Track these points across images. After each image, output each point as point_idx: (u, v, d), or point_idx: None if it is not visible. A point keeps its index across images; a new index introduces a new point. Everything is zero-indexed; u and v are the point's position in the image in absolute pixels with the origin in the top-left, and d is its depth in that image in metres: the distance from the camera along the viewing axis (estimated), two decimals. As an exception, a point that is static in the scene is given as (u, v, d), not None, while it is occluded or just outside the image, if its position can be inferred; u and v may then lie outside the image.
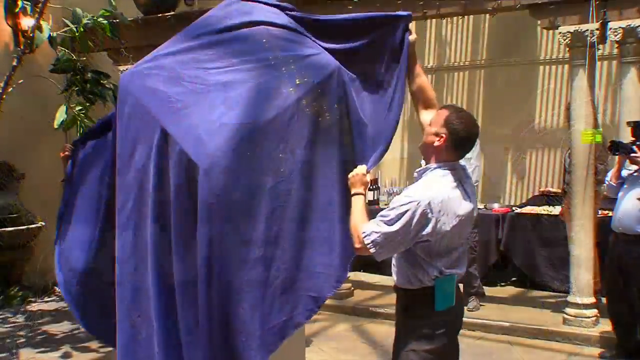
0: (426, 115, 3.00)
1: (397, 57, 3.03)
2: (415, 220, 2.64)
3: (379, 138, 2.98)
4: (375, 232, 2.67)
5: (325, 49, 3.02)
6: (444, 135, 2.77)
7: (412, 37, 3.09)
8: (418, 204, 2.65)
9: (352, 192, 2.84)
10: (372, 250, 2.68)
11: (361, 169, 2.88)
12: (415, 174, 2.91)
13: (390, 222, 2.66)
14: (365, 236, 2.68)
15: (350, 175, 2.87)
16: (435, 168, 2.82)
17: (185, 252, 2.66)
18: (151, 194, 2.75)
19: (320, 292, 2.81)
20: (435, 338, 2.79)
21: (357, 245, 2.71)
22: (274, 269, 2.71)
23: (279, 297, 2.72)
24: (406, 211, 2.64)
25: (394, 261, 2.90)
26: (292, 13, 3.13)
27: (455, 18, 7.98)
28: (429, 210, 2.66)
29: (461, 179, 2.85)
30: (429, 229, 2.67)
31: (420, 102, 3.10)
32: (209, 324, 2.62)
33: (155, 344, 2.76)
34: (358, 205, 2.80)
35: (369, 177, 2.90)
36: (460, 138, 2.78)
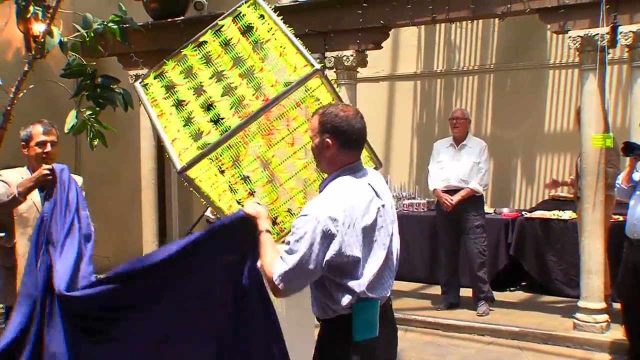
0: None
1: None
2: (317, 240, 2.34)
3: None
4: (282, 267, 2.38)
5: None
6: (328, 141, 2.50)
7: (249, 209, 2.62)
8: (317, 221, 2.35)
9: (258, 229, 2.54)
10: (281, 287, 2.38)
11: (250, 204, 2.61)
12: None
13: (292, 251, 2.37)
14: (274, 275, 2.39)
15: (249, 211, 2.56)
16: (333, 177, 2.54)
17: None
18: None
19: None
20: None
21: (271, 286, 2.44)
22: None
23: None
24: (305, 233, 2.35)
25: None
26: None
27: (464, 22, 7.98)
28: (330, 226, 2.35)
29: (367, 178, 2.57)
30: (335, 247, 2.36)
31: None
32: None
33: None
34: (266, 243, 2.51)
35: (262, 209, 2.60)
36: (342, 132, 2.50)
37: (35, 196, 3.68)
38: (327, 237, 2.36)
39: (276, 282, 2.40)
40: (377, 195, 2.55)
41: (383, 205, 2.56)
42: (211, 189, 3.35)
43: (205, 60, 3.55)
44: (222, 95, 3.37)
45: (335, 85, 3.32)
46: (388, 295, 2.57)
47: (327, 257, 2.37)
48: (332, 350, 2.52)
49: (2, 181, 3.68)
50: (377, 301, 2.49)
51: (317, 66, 3.02)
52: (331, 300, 2.46)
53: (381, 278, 2.51)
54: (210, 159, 3.25)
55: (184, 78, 3.58)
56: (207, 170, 3.28)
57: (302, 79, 3.08)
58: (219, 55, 3.49)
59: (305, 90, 3.21)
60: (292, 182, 3.49)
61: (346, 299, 2.42)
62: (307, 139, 3.30)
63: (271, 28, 3.36)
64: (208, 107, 3.40)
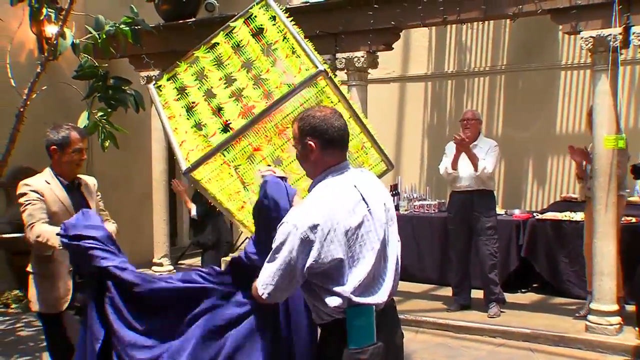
0: None
1: None
2: (295, 248, 2.32)
3: None
4: (263, 274, 2.38)
5: None
6: (311, 144, 2.49)
7: None
8: (295, 228, 2.33)
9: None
10: (265, 297, 2.38)
11: None
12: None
13: (272, 259, 2.37)
14: (258, 283, 2.40)
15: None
16: (318, 181, 2.52)
17: None
18: None
19: None
20: None
21: (255, 294, 2.45)
22: None
23: None
24: (285, 240, 2.34)
25: None
26: None
27: (475, 23, 7.97)
28: (309, 233, 2.32)
29: (354, 180, 2.52)
30: (314, 253, 2.32)
31: None
32: None
33: None
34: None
35: None
36: (322, 132, 2.48)
37: (67, 201, 3.64)
38: (306, 244, 2.33)
39: (259, 291, 2.40)
40: (363, 198, 2.49)
41: (369, 209, 2.49)
42: (219, 190, 3.37)
43: (216, 62, 3.56)
44: (229, 97, 3.38)
45: (342, 87, 3.31)
46: (384, 300, 2.47)
47: (307, 263, 2.33)
48: (330, 356, 2.47)
49: (34, 191, 3.54)
50: (371, 307, 2.41)
51: (321, 67, 3.01)
52: (322, 305, 2.42)
53: (373, 283, 2.45)
54: (225, 163, 3.27)
55: (195, 80, 3.59)
56: (213, 172, 3.31)
57: (305, 80, 3.08)
58: (229, 57, 3.50)
59: (321, 92, 3.22)
60: (302, 182, 3.50)
61: (335, 303, 2.38)
62: None
63: (282, 30, 3.36)
64: (219, 109, 3.41)
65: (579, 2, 5.52)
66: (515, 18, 6.13)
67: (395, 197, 8.00)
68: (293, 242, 2.33)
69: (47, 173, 3.72)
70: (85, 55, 5.84)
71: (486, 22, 7.93)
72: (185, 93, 3.58)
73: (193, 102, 3.53)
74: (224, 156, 3.30)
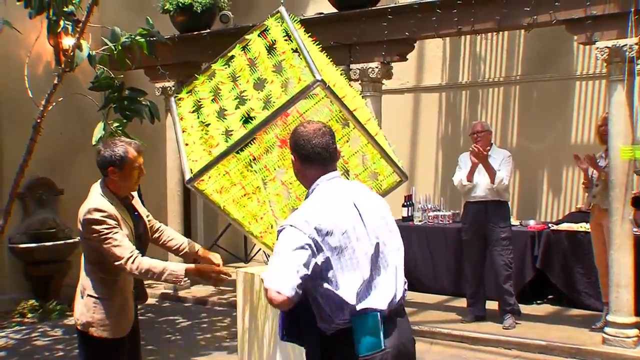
0: None
1: None
2: (292, 252, 2.36)
3: None
4: (267, 280, 2.36)
5: None
6: (292, 158, 2.64)
7: None
8: (290, 233, 2.41)
9: None
10: (274, 301, 2.32)
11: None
12: None
13: (272, 265, 2.41)
14: (270, 286, 2.34)
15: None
16: (311, 191, 2.62)
17: None
18: None
19: None
20: None
21: (269, 297, 2.37)
22: None
23: None
24: (281, 246, 2.41)
25: None
26: None
27: (489, 34, 7.96)
28: (304, 233, 2.39)
29: (343, 187, 2.62)
30: (310, 257, 2.38)
31: None
32: None
33: None
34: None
35: None
36: (299, 147, 2.59)
37: (131, 221, 3.44)
38: (301, 248, 2.37)
39: (269, 296, 2.36)
40: (354, 204, 2.56)
41: (360, 214, 2.54)
42: (227, 201, 3.42)
43: (230, 75, 3.60)
44: (235, 108, 3.40)
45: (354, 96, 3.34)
46: (385, 306, 2.48)
47: (305, 268, 2.35)
48: None
49: (110, 217, 3.26)
50: (375, 313, 2.44)
51: (318, 77, 3.02)
52: (324, 314, 2.45)
53: (370, 288, 2.47)
54: (227, 173, 3.32)
55: (210, 92, 3.63)
56: (219, 182, 3.35)
57: (302, 90, 3.09)
58: (242, 69, 3.53)
59: (320, 101, 3.25)
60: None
61: (337, 311, 2.42)
62: None
63: (292, 42, 3.38)
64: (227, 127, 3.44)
65: (594, 13, 5.50)
66: (530, 29, 6.13)
67: (410, 208, 7.98)
68: (289, 246, 2.38)
69: (106, 192, 3.39)
70: (101, 66, 5.90)
71: (500, 33, 7.92)
72: (200, 106, 3.62)
73: (207, 114, 3.57)
74: (226, 166, 3.34)
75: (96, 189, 3.41)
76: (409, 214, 7.93)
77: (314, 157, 2.59)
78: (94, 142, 5.87)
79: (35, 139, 5.73)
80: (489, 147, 6.36)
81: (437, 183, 8.84)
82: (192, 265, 3.34)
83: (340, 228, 2.45)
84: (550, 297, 7.21)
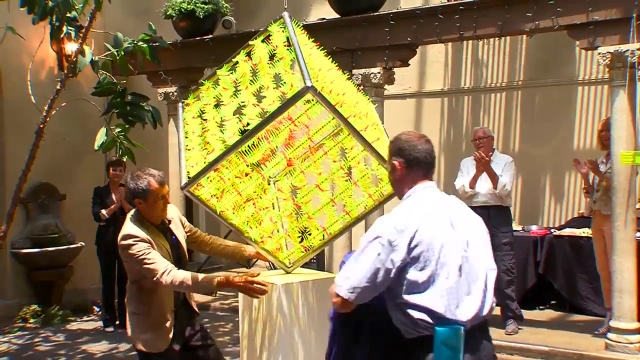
0: None
1: None
2: (381, 250, 2.44)
3: None
4: (344, 278, 2.50)
5: None
6: (395, 164, 2.67)
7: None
8: (382, 232, 2.47)
9: None
10: (348, 296, 2.46)
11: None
12: None
13: (357, 260, 2.50)
14: (338, 287, 2.50)
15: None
16: (406, 197, 2.67)
17: None
18: None
19: None
20: None
21: (334, 301, 2.53)
22: None
23: None
24: (367, 247, 2.48)
25: None
26: None
27: (492, 39, 7.96)
28: (394, 237, 2.44)
29: (437, 197, 2.68)
30: (398, 257, 2.43)
31: None
32: None
33: None
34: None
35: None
36: (406, 152, 2.65)
37: (167, 244, 3.65)
38: (387, 251, 2.44)
39: (337, 290, 2.49)
40: (446, 212, 2.60)
41: (452, 223, 2.58)
42: (225, 206, 3.43)
43: (233, 82, 3.60)
44: (233, 114, 3.41)
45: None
46: (468, 318, 2.50)
47: (388, 273, 2.44)
48: None
49: (142, 241, 3.47)
50: (459, 327, 2.45)
51: (309, 84, 3.02)
52: (405, 319, 2.48)
53: (456, 298, 2.48)
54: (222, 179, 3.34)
55: (214, 98, 3.64)
56: (214, 187, 3.36)
57: (292, 96, 3.09)
58: (243, 75, 3.53)
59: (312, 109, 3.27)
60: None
61: (419, 316, 2.45)
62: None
63: (291, 48, 3.37)
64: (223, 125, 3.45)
65: (596, 18, 5.50)
66: (532, 34, 6.12)
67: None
68: (375, 249, 2.45)
69: (138, 219, 3.60)
70: (104, 72, 5.90)
71: (503, 38, 7.92)
72: (202, 112, 3.63)
73: (206, 120, 3.58)
74: (222, 173, 3.35)
75: (129, 217, 3.64)
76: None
77: (419, 162, 2.67)
78: (96, 148, 5.87)
79: (38, 145, 5.73)
80: (491, 153, 6.36)
81: (440, 188, 8.80)
82: (222, 277, 3.42)
83: (429, 237, 2.47)
84: (552, 302, 7.20)
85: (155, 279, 3.39)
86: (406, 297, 2.46)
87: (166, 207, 3.67)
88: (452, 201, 2.73)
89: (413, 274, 2.44)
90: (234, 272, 8.21)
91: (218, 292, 3.25)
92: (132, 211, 3.67)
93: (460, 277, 2.50)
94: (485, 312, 2.59)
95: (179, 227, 3.81)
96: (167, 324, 3.58)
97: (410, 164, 2.65)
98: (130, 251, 3.46)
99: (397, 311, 2.51)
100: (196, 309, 3.84)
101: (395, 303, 2.50)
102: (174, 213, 3.82)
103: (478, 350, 2.57)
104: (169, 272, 3.38)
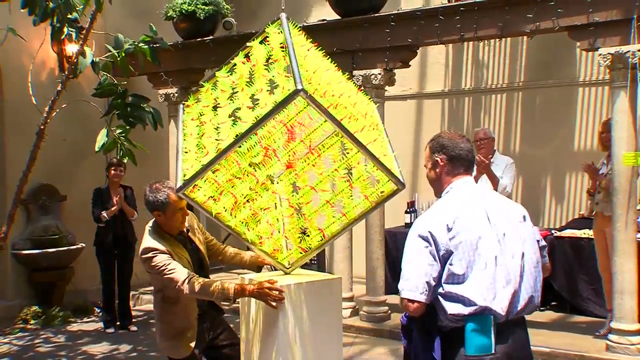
0: None
1: None
2: (421, 252, 2.58)
3: None
4: (405, 280, 2.60)
5: None
6: (438, 160, 2.80)
7: None
8: (418, 234, 2.61)
9: None
10: (418, 297, 2.56)
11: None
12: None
13: (405, 265, 2.62)
14: (405, 293, 2.59)
15: None
16: (445, 193, 2.81)
17: None
18: None
19: None
20: None
21: (409, 307, 2.62)
22: None
23: None
24: (410, 246, 2.62)
25: None
26: None
27: (492, 40, 7.96)
28: (434, 232, 2.58)
29: (475, 191, 2.80)
30: (441, 251, 2.57)
31: None
32: None
33: None
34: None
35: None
36: (449, 148, 2.79)
37: (187, 254, 3.76)
38: (431, 243, 2.56)
39: (410, 298, 2.57)
40: (484, 206, 2.69)
41: (489, 217, 2.65)
42: (221, 208, 3.42)
43: (232, 82, 3.59)
44: (229, 116, 3.40)
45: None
46: (503, 313, 2.57)
47: (432, 272, 2.55)
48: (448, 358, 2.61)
49: (162, 253, 3.58)
50: (489, 316, 2.53)
51: (299, 86, 3.01)
52: (441, 310, 2.59)
53: (493, 293, 2.56)
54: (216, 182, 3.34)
55: (212, 100, 3.63)
56: (209, 189, 3.36)
57: (283, 100, 3.08)
58: (240, 77, 3.52)
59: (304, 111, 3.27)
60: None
61: (454, 310, 2.55)
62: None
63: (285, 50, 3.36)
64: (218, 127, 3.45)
65: (597, 19, 5.50)
66: (533, 35, 6.12)
67: (413, 214, 7.97)
68: (422, 241, 2.57)
69: (156, 231, 3.70)
70: (105, 73, 5.91)
71: (503, 39, 7.92)
72: (201, 114, 3.63)
73: (203, 122, 3.57)
74: (215, 175, 3.34)
75: (147, 229, 3.74)
76: (412, 221, 7.92)
77: (460, 158, 2.78)
78: (97, 149, 5.88)
79: (39, 146, 5.73)
80: (491, 155, 6.36)
81: (440, 189, 8.82)
82: (237, 285, 3.46)
83: (466, 229, 2.58)
84: (553, 303, 7.18)
85: (177, 287, 3.49)
86: (446, 287, 2.57)
87: (185, 219, 3.77)
88: (491, 195, 2.85)
89: (452, 265, 2.55)
90: (234, 274, 8.21)
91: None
92: (151, 222, 3.75)
93: (496, 269, 2.58)
94: (520, 306, 2.66)
95: (198, 234, 3.93)
96: (190, 333, 3.72)
97: (452, 160, 2.77)
98: (152, 263, 3.57)
99: (437, 302, 2.61)
100: (222, 306, 3.98)
101: (437, 294, 2.60)
102: (192, 221, 3.92)
103: (512, 343, 2.63)
104: (189, 280, 3.47)
